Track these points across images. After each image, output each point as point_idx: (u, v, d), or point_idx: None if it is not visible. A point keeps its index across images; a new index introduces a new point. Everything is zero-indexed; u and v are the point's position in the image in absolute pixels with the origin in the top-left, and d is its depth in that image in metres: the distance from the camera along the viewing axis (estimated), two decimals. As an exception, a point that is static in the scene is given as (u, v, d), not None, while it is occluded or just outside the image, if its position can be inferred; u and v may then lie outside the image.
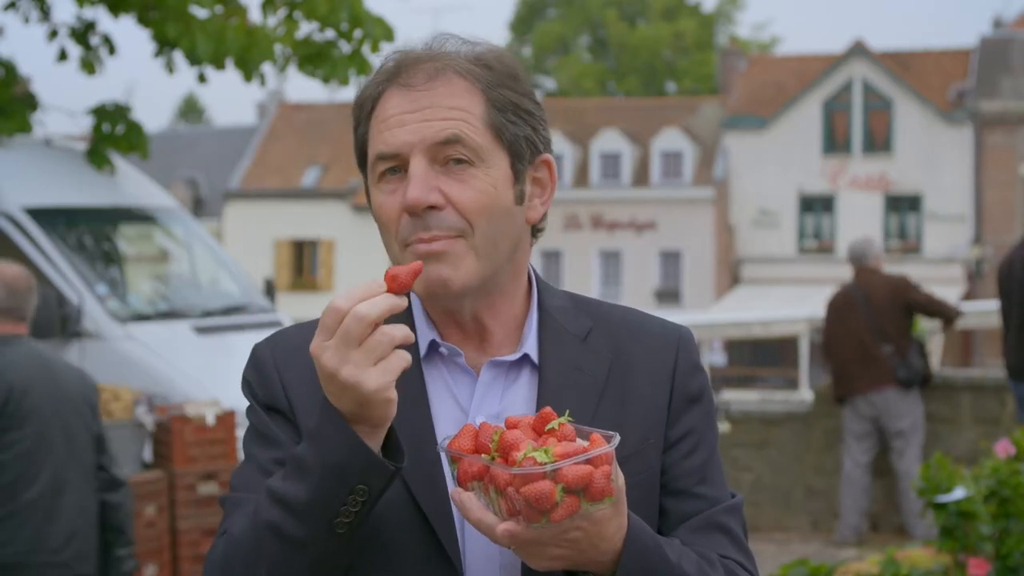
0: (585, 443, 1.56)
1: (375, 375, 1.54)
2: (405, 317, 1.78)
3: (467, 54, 1.75)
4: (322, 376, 1.57)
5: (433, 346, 1.77)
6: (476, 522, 1.56)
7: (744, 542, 1.80)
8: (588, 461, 1.52)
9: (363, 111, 1.76)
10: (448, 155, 1.69)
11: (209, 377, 7.61)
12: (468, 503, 1.57)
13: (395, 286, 1.58)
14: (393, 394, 1.56)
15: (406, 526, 1.67)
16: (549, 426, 1.58)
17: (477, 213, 1.69)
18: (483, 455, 1.57)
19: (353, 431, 1.57)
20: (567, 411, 1.61)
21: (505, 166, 1.73)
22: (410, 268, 1.60)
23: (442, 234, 1.68)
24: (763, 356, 32.56)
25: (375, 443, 1.59)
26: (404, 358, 1.56)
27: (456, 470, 1.59)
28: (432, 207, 1.68)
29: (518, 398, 1.76)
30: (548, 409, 1.60)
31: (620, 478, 1.56)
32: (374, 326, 1.54)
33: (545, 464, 1.50)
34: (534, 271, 1.83)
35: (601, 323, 1.82)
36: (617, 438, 1.56)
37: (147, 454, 6.45)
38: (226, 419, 6.55)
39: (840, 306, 8.86)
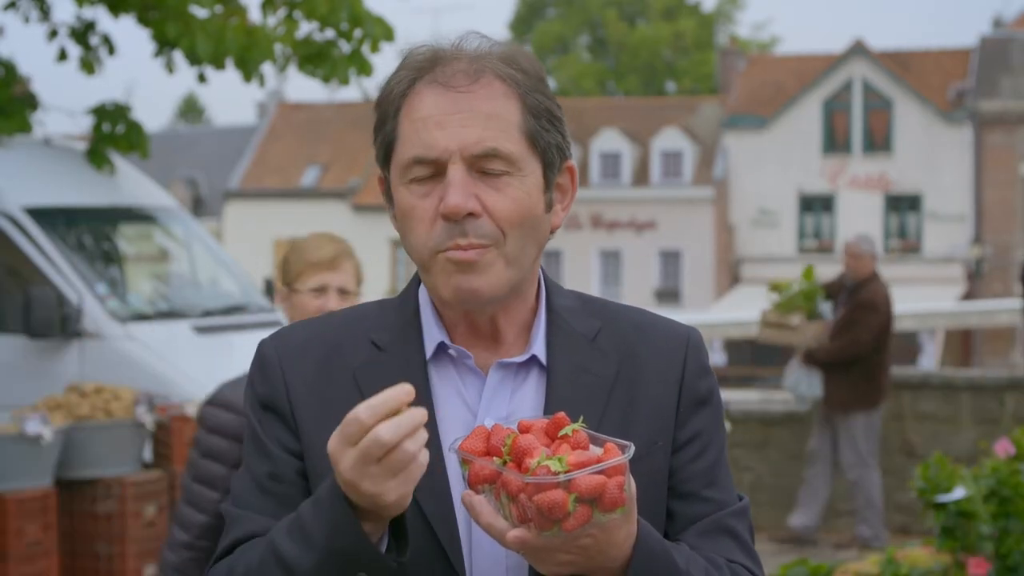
0: (599, 450, 1.55)
1: (394, 487, 1.53)
2: (412, 318, 1.78)
3: (499, 55, 1.73)
4: (340, 480, 1.55)
5: (441, 347, 1.76)
6: (486, 527, 1.56)
7: (751, 546, 1.80)
8: (602, 471, 1.51)
9: (391, 106, 1.73)
10: (485, 164, 1.68)
11: (209, 377, 7.57)
12: (478, 507, 1.56)
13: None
14: (409, 499, 1.56)
15: (413, 536, 1.66)
16: (562, 432, 1.56)
17: (512, 223, 1.69)
18: (495, 458, 1.56)
19: (361, 528, 1.56)
20: (581, 417, 1.60)
21: (538, 174, 1.72)
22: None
23: (478, 242, 1.67)
24: (763, 356, 32.54)
25: (383, 526, 1.59)
26: (422, 467, 1.54)
27: (467, 472, 1.58)
28: (470, 214, 1.67)
29: (526, 400, 1.75)
30: (562, 414, 1.58)
31: (632, 487, 1.56)
32: (394, 447, 1.51)
33: (559, 474, 1.50)
34: (543, 271, 1.83)
35: (609, 324, 1.81)
36: (632, 448, 1.54)
37: (147, 454, 6.45)
38: (226, 419, 6.54)
39: (888, 304, 8.50)
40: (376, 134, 1.76)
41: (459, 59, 1.71)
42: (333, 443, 1.54)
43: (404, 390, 1.52)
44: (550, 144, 1.73)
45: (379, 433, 1.50)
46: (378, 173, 1.80)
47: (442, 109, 1.68)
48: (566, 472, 1.50)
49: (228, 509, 1.75)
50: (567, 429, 1.57)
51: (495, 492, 1.55)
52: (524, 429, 1.58)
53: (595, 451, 1.55)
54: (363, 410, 1.51)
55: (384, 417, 1.51)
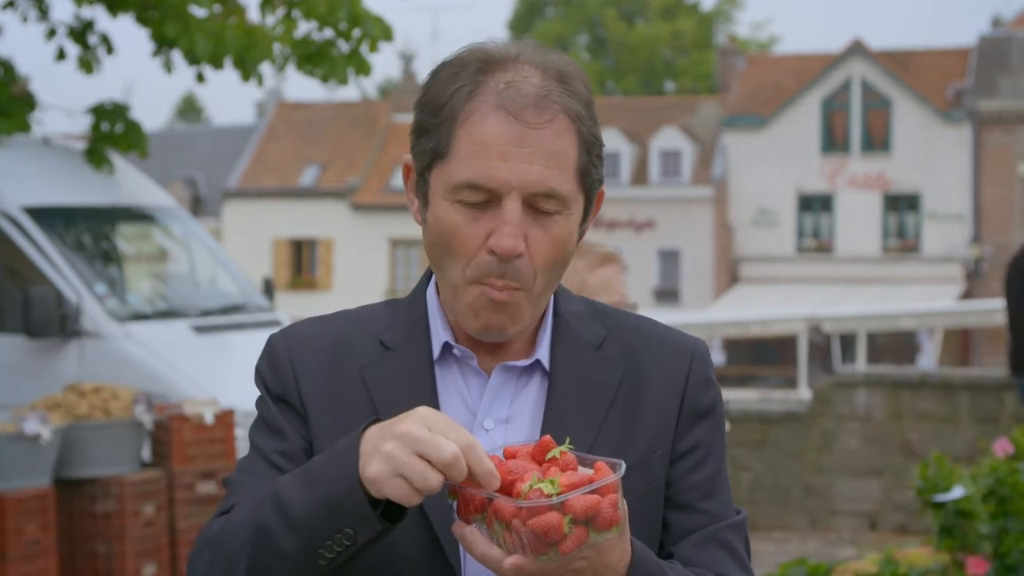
0: (588, 471, 1.53)
1: (385, 477, 1.51)
2: (420, 318, 1.78)
3: (559, 79, 1.69)
4: (379, 427, 1.54)
5: (446, 347, 1.76)
6: (481, 556, 1.54)
7: (746, 560, 1.79)
8: (595, 491, 1.50)
9: (447, 111, 1.69)
10: (540, 203, 1.67)
11: (208, 376, 7.61)
12: (471, 537, 1.54)
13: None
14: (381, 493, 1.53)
15: (408, 527, 1.66)
16: (550, 455, 1.55)
17: (548, 264, 1.69)
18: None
19: (359, 481, 1.54)
20: (567, 439, 1.58)
21: (580, 209, 1.73)
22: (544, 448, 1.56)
23: (513, 284, 1.67)
24: (762, 355, 32.57)
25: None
26: (413, 498, 1.52)
27: (456, 503, 1.56)
28: (517, 255, 1.66)
29: (527, 403, 1.75)
30: (548, 438, 1.57)
31: (624, 505, 1.54)
32: (430, 458, 1.50)
33: (552, 496, 1.48)
34: None
35: (616, 332, 1.81)
36: (623, 467, 1.53)
37: (146, 453, 6.45)
38: (224, 418, 6.54)
39: None
40: (422, 134, 1.71)
41: (524, 83, 1.67)
42: (424, 409, 1.53)
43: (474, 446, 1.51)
44: (595, 180, 1.73)
45: (446, 445, 1.49)
46: (407, 160, 1.77)
47: (508, 140, 1.65)
48: (559, 494, 1.48)
49: (232, 477, 1.75)
50: (554, 452, 1.55)
51: (487, 520, 1.53)
52: (510, 455, 1.56)
53: (585, 472, 1.53)
54: (441, 419, 1.52)
55: (444, 433, 1.50)
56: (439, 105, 1.70)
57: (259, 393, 1.80)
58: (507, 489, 1.52)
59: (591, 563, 1.54)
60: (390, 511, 1.57)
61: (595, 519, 1.50)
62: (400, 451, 1.50)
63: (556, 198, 1.67)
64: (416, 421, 1.52)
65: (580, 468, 1.54)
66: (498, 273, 1.66)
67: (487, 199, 1.66)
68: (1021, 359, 8.08)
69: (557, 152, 1.66)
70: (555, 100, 1.67)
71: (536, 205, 1.66)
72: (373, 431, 1.55)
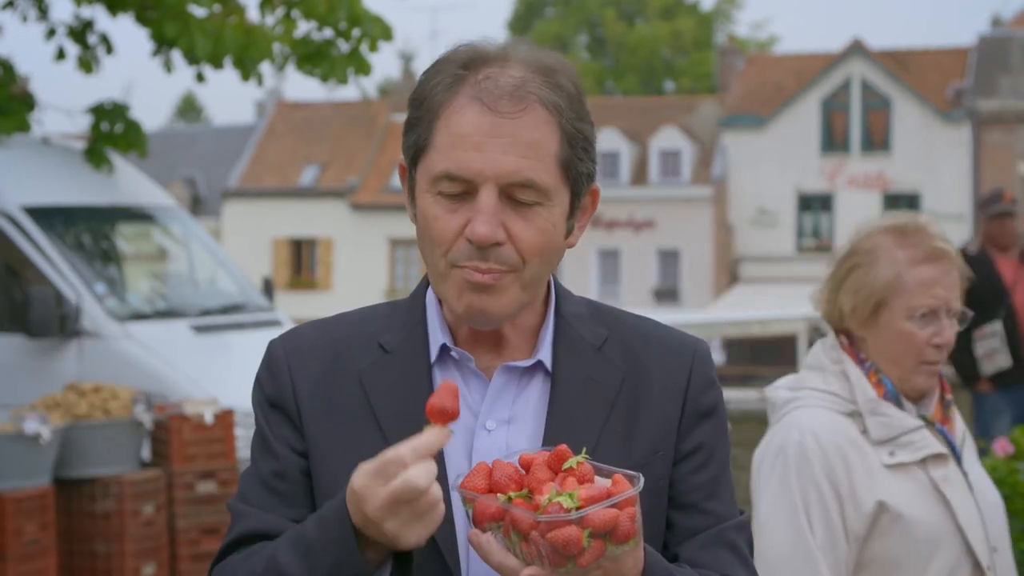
0: (606, 481, 1.53)
1: (417, 531, 1.54)
2: (419, 320, 1.79)
3: (543, 72, 1.69)
4: (363, 518, 1.55)
5: (444, 349, 1.76)
6: (497, 565, 1.55)
7: (750, 560, 1.80)
8: (614, 504, 1.50)
9: (429, 107, 1.70)
10: (517, 193, 1.66)
11: (207, 376, 7.61)
12: (487, 546, 1.55)
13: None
14: (426, 539, 1.56)
15: None
16: (566, 465, 1.55)
17: (534, 252, 1.68)
18: (499, 495, 1.54)
19: (365, 560, 1.58)
20: (583, 449, 1.58)
21: (565, 203, 1.72)
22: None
23: (498, 268, 1.66)
24: (761, 355, 32.52)
25: (386, 550, 1.60)
26: (442, 513, 1.55)
27: (471, 510, 1.56)
28: (495, 243, 1.66)
29: (529, 404, 1.75)
30: (564, 447, 1.57)
31: (640, 516, 1.55)
32: (425, 492, 1.53)
33: (571, 510, 1.48)
34: (553, 276, 1.82)
35: (617, 333, 1.81)
36: (641, 480, 1.53)
37: (145, 453, 6.45)
38: (224, 418, 6.54)
39: None
40: (409, 130, 1.73)
41: (503, 76, 1.67)
42: (362, 479, 1.54)
43: (446, 434, 1.53)
44: (581, 173, 1.72)
45: (414, 478, 1.51)
46: (400, 161, 1.78)
47: (482, 131, 1.65)
48: (578, 508, 1.49)
49: (234, 505, 1.77)
50: (571, 462, 1.55)
51: (504, 530, 1.53)
52: (525, 463, 1.56)
53: (601, 482, 1.54)
54: (407, 451, 1.52)
55: (420, 459, 1.52)
56: (422, 99, 1.71)
57: (258, 400, 1.80)
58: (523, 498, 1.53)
59: (606, 572, 1.55)
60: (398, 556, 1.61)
61: (613, 533, 1.50)
62: (401, 514, 1.53)
63: (533, 188, 1.66)
64: (369, 489, 1.53)
65: (597, 478, 1.54)
66: (480, 258, 1.66)
67: (464, 190, 1.66)
68: (967, 372, 7.80)
69: (533, 143, 1.66)
70: (532, 91, 1.67)
71: (513, 195, 1.66)
72: (359, 523, 1.56)
